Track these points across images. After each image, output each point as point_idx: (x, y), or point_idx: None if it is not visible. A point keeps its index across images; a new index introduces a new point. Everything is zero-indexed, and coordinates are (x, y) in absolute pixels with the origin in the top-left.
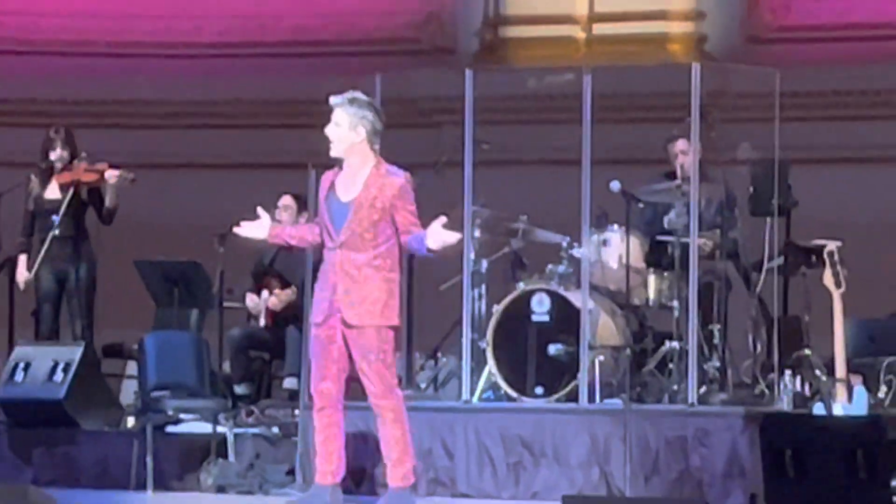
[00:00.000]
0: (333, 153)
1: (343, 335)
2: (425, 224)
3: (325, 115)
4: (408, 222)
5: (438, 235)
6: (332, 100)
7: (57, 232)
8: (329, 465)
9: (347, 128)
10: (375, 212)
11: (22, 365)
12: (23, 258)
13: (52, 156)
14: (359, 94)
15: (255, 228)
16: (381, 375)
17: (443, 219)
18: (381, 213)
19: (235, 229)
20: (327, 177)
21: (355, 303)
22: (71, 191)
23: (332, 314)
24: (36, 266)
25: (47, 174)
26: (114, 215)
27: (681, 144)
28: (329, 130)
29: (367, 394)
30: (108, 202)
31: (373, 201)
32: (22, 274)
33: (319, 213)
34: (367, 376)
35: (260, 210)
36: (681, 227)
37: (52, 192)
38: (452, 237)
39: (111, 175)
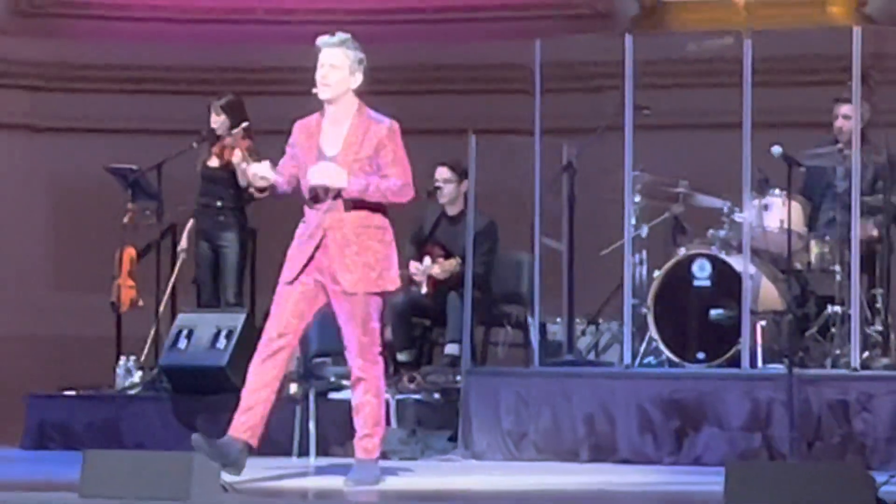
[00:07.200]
0: (325, 96)
1: (326, 295)
2: None
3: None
4: (385, 164)
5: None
6: (325, 39)
7: (207, 201)
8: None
9: (348, 72)
10: (361, 164)
11: (185, 332)
12: (189, 224)
13: (212, 124)
14: (348, 35)
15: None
16: (362, 345)
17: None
18: (367, 165)
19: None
20: (305, 125)
21: (351, 268)
22: (218, 161)
23: (312, 272)
24: (187, 233)
25: (211, 142)
26: (249, 195)
27: (845, 109)
28: (327, 73)
29: (348, 361)
30: (240, 180)
31: (356, 154)
32: (181, 244)
33: (300, 165)
34: (350, 344)
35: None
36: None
37: (213, 160)
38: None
39: (236, 155)
